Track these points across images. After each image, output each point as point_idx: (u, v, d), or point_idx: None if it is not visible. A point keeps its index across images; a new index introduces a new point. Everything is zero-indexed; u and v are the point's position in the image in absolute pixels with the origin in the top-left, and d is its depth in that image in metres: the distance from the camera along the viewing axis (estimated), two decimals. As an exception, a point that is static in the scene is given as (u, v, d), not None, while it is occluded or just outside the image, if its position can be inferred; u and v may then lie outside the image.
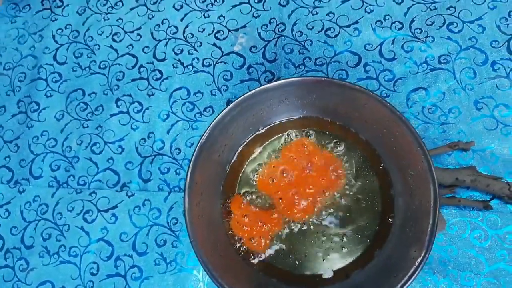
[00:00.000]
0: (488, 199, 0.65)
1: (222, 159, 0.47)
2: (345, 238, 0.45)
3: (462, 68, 0.72)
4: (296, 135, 0.48)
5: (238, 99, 0.45)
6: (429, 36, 0.75)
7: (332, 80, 0.46)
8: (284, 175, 0.47)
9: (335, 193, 0.46)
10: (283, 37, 0.78)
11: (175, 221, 0.71)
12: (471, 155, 0.68)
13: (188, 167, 0.45)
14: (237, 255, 0.46)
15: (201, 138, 0.46)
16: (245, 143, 0.49)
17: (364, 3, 0.79)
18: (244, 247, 0.46)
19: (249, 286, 0.43)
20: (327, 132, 0.48)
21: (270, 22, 0.80)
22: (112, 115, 0.78)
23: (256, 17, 0.81)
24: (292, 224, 0.46)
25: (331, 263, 0.44)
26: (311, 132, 0.48)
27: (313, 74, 0.74)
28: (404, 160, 0.44)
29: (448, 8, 0.76)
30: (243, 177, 0.48)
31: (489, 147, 0.68)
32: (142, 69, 0.81)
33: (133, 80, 0.80)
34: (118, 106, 0.79)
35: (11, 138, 0.80)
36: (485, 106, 0.70)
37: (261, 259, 0.45)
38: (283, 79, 0.45)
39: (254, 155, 0.49)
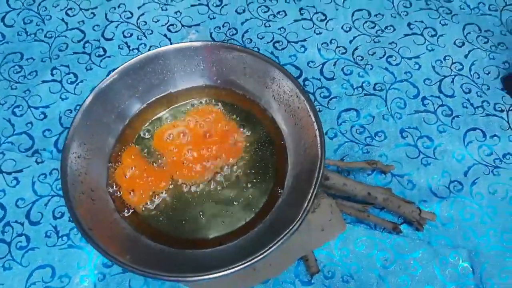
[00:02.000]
0: (399, 223, 0.64)
1: (122, 112, 0.46)
2: (231, 207, 0.43)
3: (394, 97, 0.74)
4: (204, 102, 0.48)
5: (143, 56, 0.45)
6: (369, 64, 0.78)
7: (245, 48, 0.46)
8: (183, 136, 0.45)
9: (230, 161, 0.45)
10: (232, 41, 0.80)
11: (79, 195, 0.66)
12: (390, 178, 0.68)
13: (77, 113, 0.43)
14: (111, 204, 0.42)
15: (100, 83, 0.45)
16: (150, 102, 0.47)
17: (315, 25, 0.82)
18: (121, 198, 0.43)
19: (119, 240, 0.39)
20: (235, 105, 0.48)
21: (223, 25, 0.82)
22: (44, 82, 0.76)
23: (211, 19, 0.83)
24: (178, 184, 0.44)
25: (210, 230, 0.41)
26: (220, 102, 0.48)
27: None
28: (301, 135, 0.43)
29: (390, 43, 0.80)
30: (142, 133, 0.46)
31: (408, 173, 0.68)
32: (87, 44, 0.80)
33: (75, 53, 0.79)
34: (52, 75, 0.77)
35: None
36: (410, 136, 0.71)
37: (133, 212, 0.42)
38: (191, 42, 0.46)
39: (158, 115, 0.47)
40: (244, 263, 0.35)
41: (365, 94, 0.75)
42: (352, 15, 0.83)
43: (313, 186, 0.37)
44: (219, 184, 0.44)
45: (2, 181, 0.67)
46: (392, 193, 0.64)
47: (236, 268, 0.35)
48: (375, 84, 0.76)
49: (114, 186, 0.44)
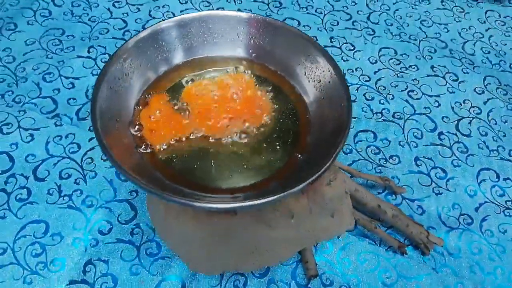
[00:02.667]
0: (406, 243, 0.63)
1: (165, 59, 0.47)
2: (246, 164, 0.43)
3: (411, 127, 0.76)
4: (237, 70, 0.49)
5: (196, 14, 0.47)
6: (390, 94, 0.80)
7: (285, 25, 0.48)
8: (212, 93, 0.46)
9: (252, 125, 0.45)
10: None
11: (90, 161, 0.66)
12: (400, 201, 0.67)
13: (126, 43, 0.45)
14: (132, 138, 0.42)
15: (157, 23, 0.47)
16: (189, 60, 0.49)
17: (343, 53, 0.86)
18: (142, 137, 0.43)
19: (135, 165, 0.39)
20: (266, 79, 0.50)
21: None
22: (79, 56, 0.79)
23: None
24: (198, 135, 0.44)
25: (223, 181, 0.41)
26: (253, 73, 0.49)
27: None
28: (328, 108, 0.44)
29: (413, 80, 0.83)
30: (176, 84, 0.48)
31: (418, 199, 0.68)
32: (127, 33, 0.84)
33: (114, 38, 0.83)
34: (88, 52, 0.80)
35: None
36: (424, 164, 0.72)
37: (151, 152, 0.42)
38: (240, 12, 0.48)
39: (192, 73, 0.49)
40: (253, 201, 0.34)
41: (384, 120, 0.76)
42: (379, 51, 0.88)
43: (336, 148, 0.38)
44: (238, 143, 0.44)
45: (17, 135, 0.68)
46: (401, 211, 0.63)
47: (246, 203, 0.34)
48: (394, 113, 0.78)
49: (137, 126, 0.44)
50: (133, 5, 0.89)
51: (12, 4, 0.86)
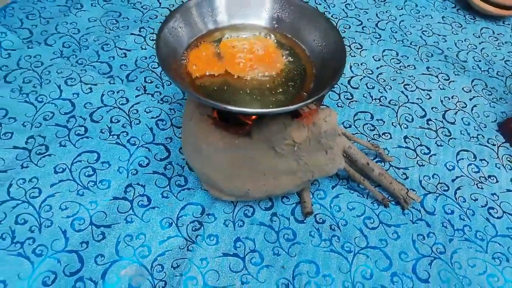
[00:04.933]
0: (389, 199, 0.75)
1: (214, 20, 0.64)
2: (263, 97, 0.57)
3: (404, 112, 0.89)
4: (266, 35, 0.65)
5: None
6: (389, 85, 0.94)
7: (303, 3, 0.64)
8: (241, 46, 0.62)
9: (270, 71, 0.60)
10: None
11: (135, 111, 0.82)
12: (387, 167, 0.80)
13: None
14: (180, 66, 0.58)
15: None
16: (229, 24, 0.65)
17: (352, 50, 1.01)
18: (186, 67, 0.58)
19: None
20: (284, 44, 0.65)
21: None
22: (132, 34, 0.96)
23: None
24: (228, 73, 0.60)
25: (242, 104, 0.56)
26: (276, 38, 0.65)
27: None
28: (329, 61, 0.58)
29: (409, 76, 0.97)
30: (219, 39, 0.64)
31: (404, 168, 0.80)
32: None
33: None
34: (139, 31, 0.97)
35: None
36: (411, 142, 0.84)
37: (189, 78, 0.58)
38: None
39: (231, 33, 0.65)
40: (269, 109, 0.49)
41: (381, 105, 0.90)
42: (383, 51, 1.02)
43: (332, 83, 0.52)
44: (258, 80, 0.59)
45: (79, 87, 0.84)
46: (387, 172, 0.76)
47: (264, 110, 0.49)
48: (390, 100, 0.91)
49: (185, 59, 0.60)
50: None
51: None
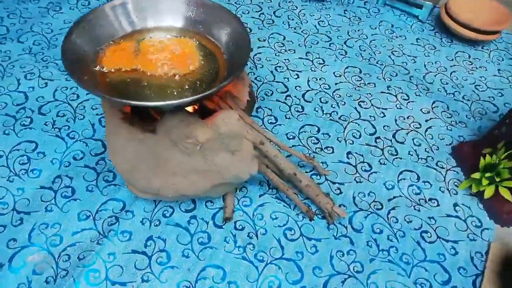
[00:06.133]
0: (315, 212, 0.73)
1: (134, 22, 0.67)
2: (170, 93, 0.59)
3: (352, 128, 0.88)
4: (185, 37, 0.68)
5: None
6: (342, 101, 0.93)
7: (216, 4, 0.67)
8: (161, 46, 0.64)
9: (182, 70, 0.62)
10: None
11: (82, 107, 0.85)
12: (323, 180, 0.78)
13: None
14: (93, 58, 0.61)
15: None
16: (153, 26, 0.68)
17: (313, 65, 1.01)
18: (102, 61, 0.61)
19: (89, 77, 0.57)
20: (202, 43, 0.67)
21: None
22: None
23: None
24: (140, 69, 0.62)
25: (150, 99, 0.57)
26: (195, 39, 0.68)
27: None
28: (237, 60, 0.60)
29: (367, 94, 0.95)
30: (141, 39, 0.67)
31: (340, 183, 0.78)
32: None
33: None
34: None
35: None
36: (354, 158, 0.82)
37: (102, 71, 0.60)
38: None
39: (152, 34, 0.68)
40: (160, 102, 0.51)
41: (330, 120, 0.89)
42: (346, 68, 1.01)
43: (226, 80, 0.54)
44: (167, 78, 0.61)
45: (36, 81, 0.88)
46: (315, 183, 0.74)
47: (169, 102, 0.51)
48: (341, 115, 0.90)
49: (102, 54, 0.63)
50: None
51: (62, -5, 1.10)
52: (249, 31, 1.08)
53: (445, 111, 0.94)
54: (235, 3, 1.17)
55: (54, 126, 0.81)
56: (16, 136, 0.79)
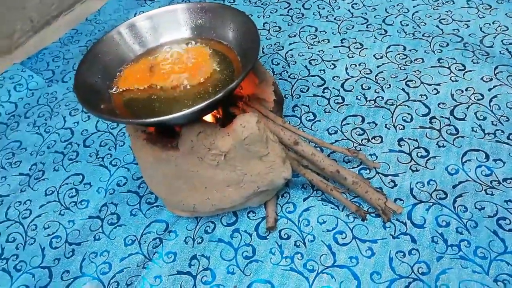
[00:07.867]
0: (368, 211, 0.66)
1: (145, 42, 0.67)
2: (182, 107, 0.57)
3: (401, 112, 0.79)
4: (199, 45, 0.66)
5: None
6: (387, 84, 0.84)
7: (215, 4, 0.64)
8: (174, 58, 0.63)
9: (193, 80, 0.60)
10: (277, 54, 0.96)
11: (122, 134, 0.86)
12: (373, 174, 0.71)
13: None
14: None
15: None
16: (167, 40, 0.67)
17: (350, 50, 0.93)
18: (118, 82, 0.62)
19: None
20: (217, 49, 0.65)
21: (274, 44, 1.00)
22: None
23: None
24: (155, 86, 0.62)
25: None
26: (209, 47, 0.65)
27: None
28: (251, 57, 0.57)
29: (414, 71, 0.85)
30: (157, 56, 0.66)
31: (393, 174, 0.70)
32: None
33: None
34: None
35: None
36: (406, 145, 0.74)
37: (120, 91, 0.60)
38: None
39: (170, 48, 0.67)
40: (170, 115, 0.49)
41: (375, 106, 0.81)
42: (387, 47, 0.92)
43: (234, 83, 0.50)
44: (178, 91, 0.60)
45: (80, 116, 0.92)
46: (363, 179, 0.67)
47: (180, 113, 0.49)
48: (387, 100, 0.81)
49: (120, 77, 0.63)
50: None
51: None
52: (278, 29, 1.04)
53: (510, 75, 0.81)
54: (262, 4, 1.14)
55: (98, 156, 0.83)
56: (64, 170, 0.82)
